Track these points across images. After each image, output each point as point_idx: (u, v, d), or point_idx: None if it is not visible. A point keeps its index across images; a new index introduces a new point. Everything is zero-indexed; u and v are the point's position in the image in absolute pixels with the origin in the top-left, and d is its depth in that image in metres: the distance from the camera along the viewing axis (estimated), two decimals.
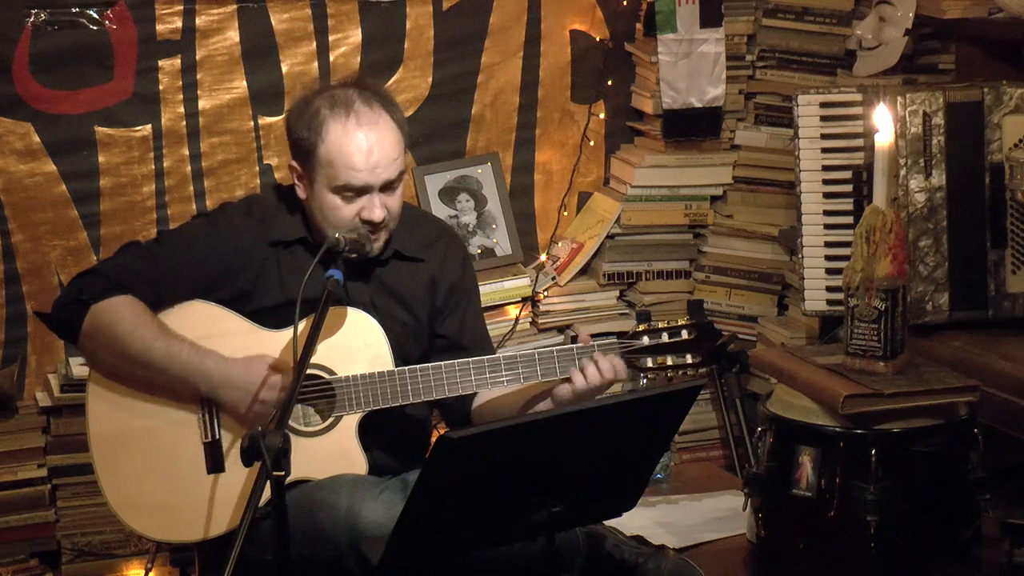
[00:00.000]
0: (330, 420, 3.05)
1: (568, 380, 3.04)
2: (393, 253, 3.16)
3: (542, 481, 2.54)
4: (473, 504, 2.55)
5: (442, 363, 3.05)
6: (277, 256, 3.12)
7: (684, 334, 3.09)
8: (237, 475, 3.01)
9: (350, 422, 3.05)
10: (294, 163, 3.10)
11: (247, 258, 3.10)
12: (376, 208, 3.04)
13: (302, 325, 2.88)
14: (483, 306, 4.32)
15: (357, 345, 3.07)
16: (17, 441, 4.08)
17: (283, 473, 2.48)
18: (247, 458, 2.50)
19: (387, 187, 3.06)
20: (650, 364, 3.09)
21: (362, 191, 3.04)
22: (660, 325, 3.11)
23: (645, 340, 3.09)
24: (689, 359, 3.10)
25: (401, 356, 3.13)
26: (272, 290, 3.10)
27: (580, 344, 3.07)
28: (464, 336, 3.25)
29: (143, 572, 4.01)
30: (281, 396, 2.96)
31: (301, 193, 3.11)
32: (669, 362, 3.09)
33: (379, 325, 3.08)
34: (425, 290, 3.21)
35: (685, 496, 3.76)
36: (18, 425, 4.10)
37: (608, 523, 3.05)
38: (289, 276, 3.11)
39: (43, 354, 4.18)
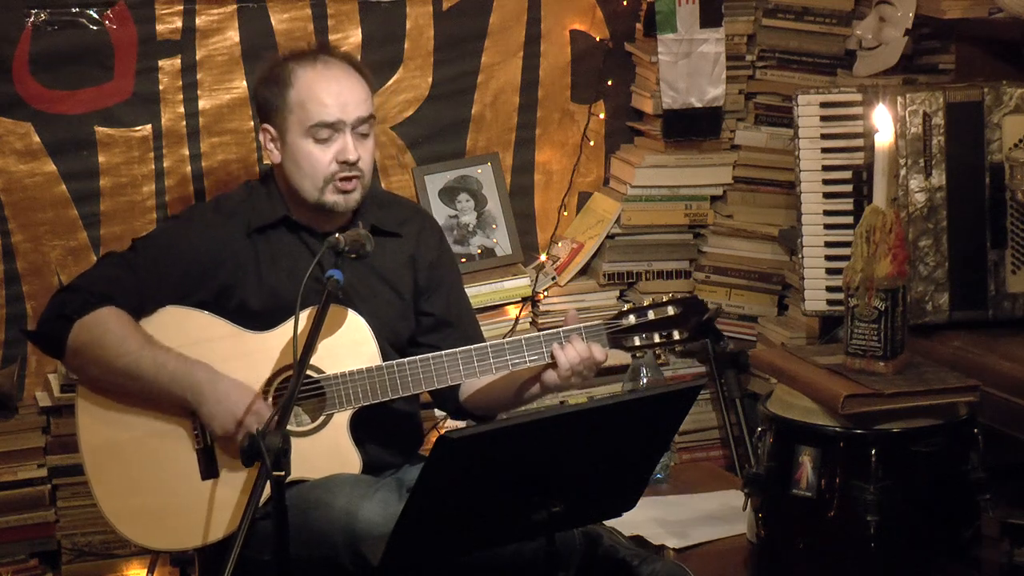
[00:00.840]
0: (321, 419, 3.05)
1: (553, 364, 3.04)
2: (371, 228, 3.16)
3: (542, 481, 2.54)
4: (473, 504, 2.55)
5: (430, 355, 3.06)
6: (255, 247, 3.13)
7: (670, 310, 3.08)
8: (231, 480, 3.01)
9: (341, 419, 3.05)
10: (265, 125, 3.15)
11: (224, 253, 3.11)
12: (350, 147, 3.07)
13: (298, 323, 2.87)
14: (483, 306, 4.37)
15: (344, 342, 3.07)
16: (17, 441, 4.08)
17: (283, 473, 2.48)
18: (247, 458, 2.51)
19: (359, 130, 3.09)
20: (638, 343, 3.08)
21: (335, 128, 3.07)
22: (645, 303, 3.10)
23: (631, 319, 3.08)
24: (676, 335, 3.09)
25: (389, 337, 3.13)
26: (253, 283, 3.11)
27: (567, 327, 3.07)
28: (451, 312, 3.28)
29: (143, 572, 4.01)
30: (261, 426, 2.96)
31: (275, 158, 3.13)
32: (657, 339, 3.08)
33: (365, 321, 3.08)
34: (406, 267, 3.23)
35: (685, 496, 3.76)
36: (18, 425, 4.10)
37: (609, 523, 3.05)
38: (267, 268, 3.12)
39: (43, 354, 4.17)
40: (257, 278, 3.11)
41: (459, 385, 3.23)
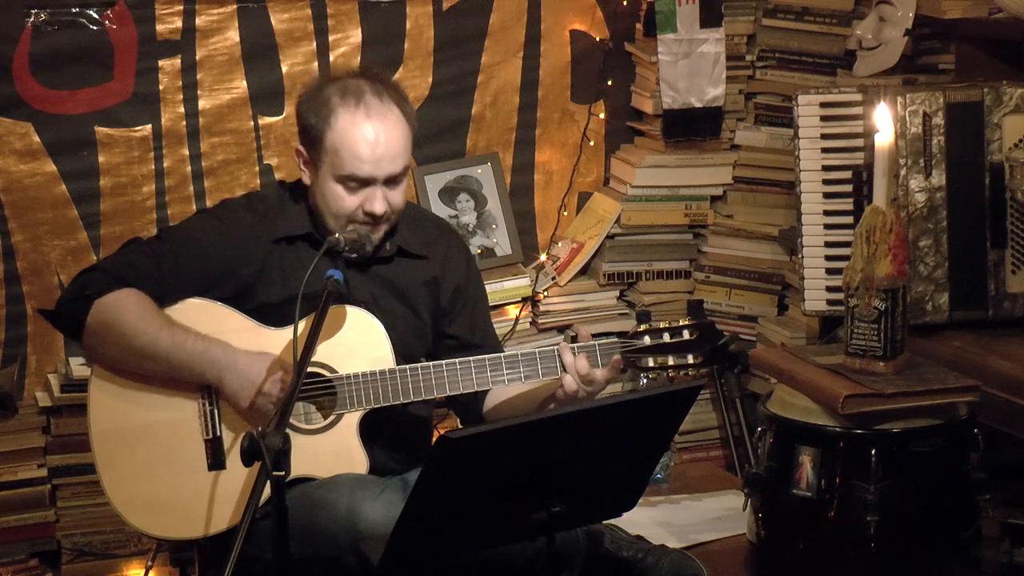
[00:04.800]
0: (331, 418, 3.05)
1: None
2: (397, 250, 3.17)
3: (542, 481, 2.54)
4: (473, 504, 2.55)
5: (443, 361, 3.06)
6: (280, 252, 3.13)
7: (685, 334, 3.10)
8: (238, 472, 3.01)
9: (351, 420, 3.05)
10: (301, 148, 3.12)
11: (249, 254, 3.11)
12: (378, 201, 3.06)
13: (302, 324, 2.88)
14: None
15: (358, 343, 3.07)
16: (17, 441, 4.08)
17: (283, 473, 2.48)
18: (247, 458, 2.50)
19: (391, 181, 3.07)
20: (651, 364, 3.10)
21: (366, 183, 3.05)
22: (661, 325, 3.11)
23: (646, 340, 3.10)
24: (690, 359, 3.10)
25: (404, 354, 3.13)
26: (275, 286, 3.11)
27: (580, 343, 3.08)
28: (475, 335, 3.28)
29: (143, 572, 4.01)
30: (284, 393, 2.96)
31: (306, 179, 3.12)
32: (670, 362, 3.09)
33: (380, 323, 3.09)
34: (427, 287, 3.22)
35: (685, 496, 3.76)
36: (18, 425, 4.10)
37: (608, 522, 3.05)
38: (291, 272, 3.12)
39: (43, 354, 4.18)
40: (277, 283, 3.11)
41: (480, 400, 3.24)
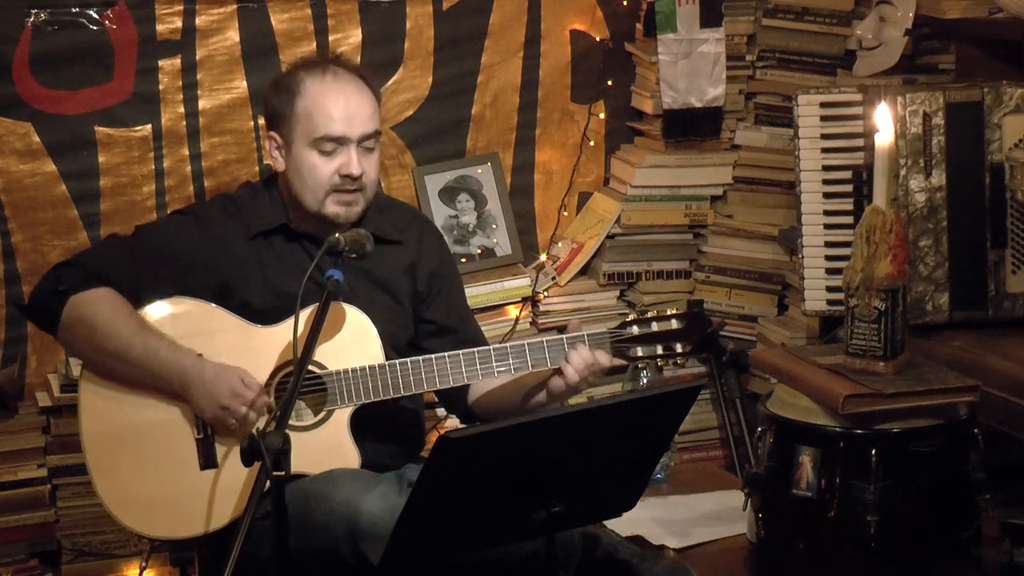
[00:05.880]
0: (322, 414, 3.06)
1: (559, 372, 3.05)
2: (372, 237, 3.17)
3: (542, 481, 2.54)
4: (473, 504, 2.55)
5: (432, 356, 3.07)
6: (258, 249, 3.14)
7: (673, 323, 3.10)
8: (230, 471, 3.02)
9: (342, 416, 3.06)
10: (272, 133, 3.17)
11: (224, 252, 3.12)
12: (354, 162, 3.08)
13: (301, 324, 2.88)
14: (483, 306, 4.37)
15: (348, 339, 3.08)
16: (17, 441, 4.08)
17: (283, 473, 2.49)
18: (247, 458, 2.51)
19: (364, 144, 3.11)
20: (640, 353, 3.10)
21: (340, 142, 3.08)
22: (650, 315, 3.12)
23: (634, 330, 3.10)
24: (679, 348, 3.11)
25: (388, 341, 3.14)
26: (254, 284, 3.12)
27: (569, 334, 3.08)
28: (452, 318, 3.30)
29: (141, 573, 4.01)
30: (245, 410, 2.97)
31: (279, 166, 3.15)
32: (659, 351, 3.10)
33: (370, 320, 3.09)
34: (404, 274, 3.24)
35: (685, 496, 3.76)
36: (18, 425, 4.10)
37: (609, 523, 3.05)
38: (270, 268, 3.13)
39: (43, 354, 4.18)
40: (261, 278, 3.12)
41: (467, 389, 3.24)
